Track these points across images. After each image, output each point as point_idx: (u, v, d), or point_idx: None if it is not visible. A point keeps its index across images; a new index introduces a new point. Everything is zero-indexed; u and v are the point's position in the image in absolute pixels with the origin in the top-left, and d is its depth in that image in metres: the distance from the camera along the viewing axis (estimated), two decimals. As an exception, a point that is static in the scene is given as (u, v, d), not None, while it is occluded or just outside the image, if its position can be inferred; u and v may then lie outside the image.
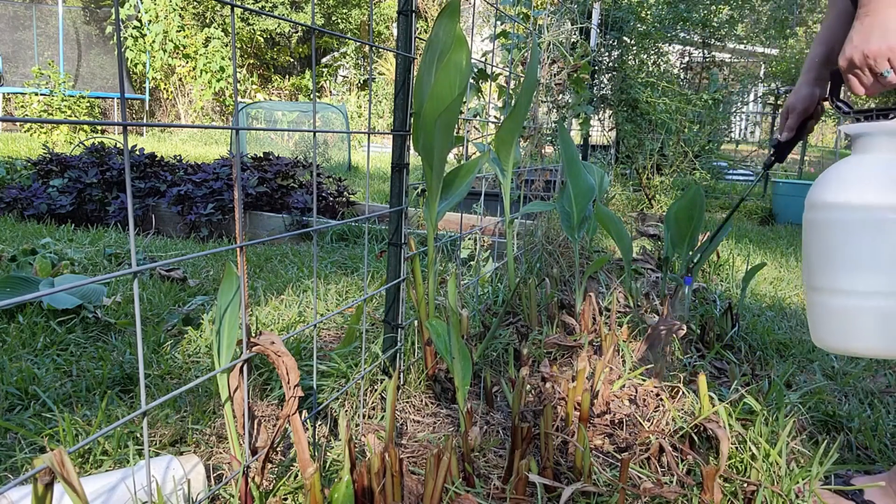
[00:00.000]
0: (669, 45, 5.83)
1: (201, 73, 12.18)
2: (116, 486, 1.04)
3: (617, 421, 1.52)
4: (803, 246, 1.11)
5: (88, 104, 10.19)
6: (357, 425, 1.45)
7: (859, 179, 1.01)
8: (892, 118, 1.03)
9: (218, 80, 12.26)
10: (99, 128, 10.87)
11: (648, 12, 5.67)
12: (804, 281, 1.12)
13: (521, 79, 3.03)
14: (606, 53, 5.52)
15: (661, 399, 1.56)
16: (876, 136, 1.02)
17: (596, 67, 5.46)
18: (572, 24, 3.18)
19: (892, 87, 1.02)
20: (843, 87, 1.11)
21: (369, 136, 1.35)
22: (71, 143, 8.64)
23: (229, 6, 0.93)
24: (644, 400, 1.57)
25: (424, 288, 1.60)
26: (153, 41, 11.69)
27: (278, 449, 1.32)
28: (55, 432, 1.35)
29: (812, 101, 1.36)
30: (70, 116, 9.57)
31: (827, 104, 1.32)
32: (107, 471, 1.17)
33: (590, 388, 1.57)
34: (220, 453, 1.32)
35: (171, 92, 13.08)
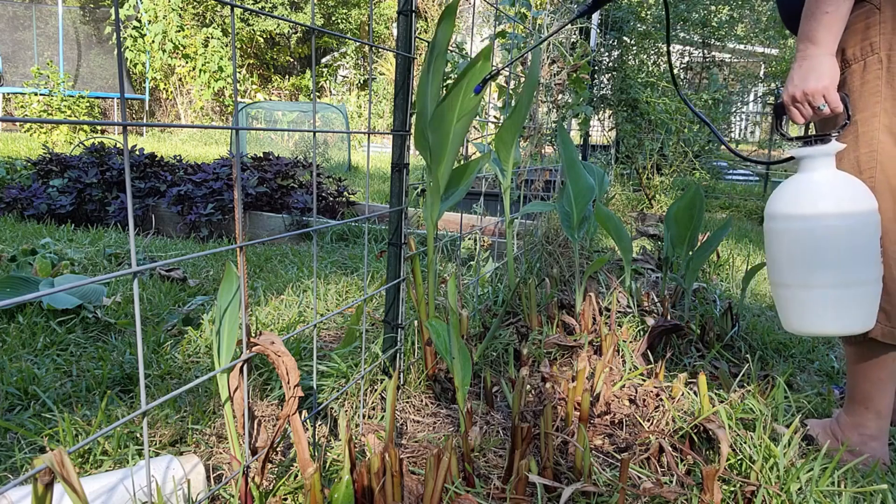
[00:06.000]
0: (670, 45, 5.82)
1: (200, 72, 12.17)
2: (116, 486, 1.04)
3: (617, 421, 1.52)
4: (767, 250, 1.34)
5: (88, 104, 10.19)
6: (357, 425, 1.45)
7: (808, 195, 1.24)
8: (827, 142, 1.24)
9: (217, 80, 12.25)
10: (99, 128, 10.87)
11: (648, 12, 5.66)
12: (770, 279, 1.35)
13: (521, 79, 3.03)
14: (606, 53, 5.52)
15: (661, 399, 1.56)
16: (818, 158, 1.25)
17: (596, 67, 5.46)
18: (572, 24, 3.18)
19: (825, 117, 1.25)
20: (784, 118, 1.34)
21: (369, 136, 1.35)
22: (71, 143, 8.64)
23: (229, 6, 0.93)
24: (644, 400, 1.57)
25: (424, 288, 1.60)
26: (153, 41, 11.69)
27: (278, 449, 1.32)
28: (55, 432, 1.35)
29: None
30: (70, 116, 9.57)
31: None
32: (107, 471, 1.17)
33: (590, 388, 1.57)
34: (220, 453, 1.32)
35: (171, 92, 13.07)
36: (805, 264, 1.24)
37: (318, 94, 15.71)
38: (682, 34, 5.84)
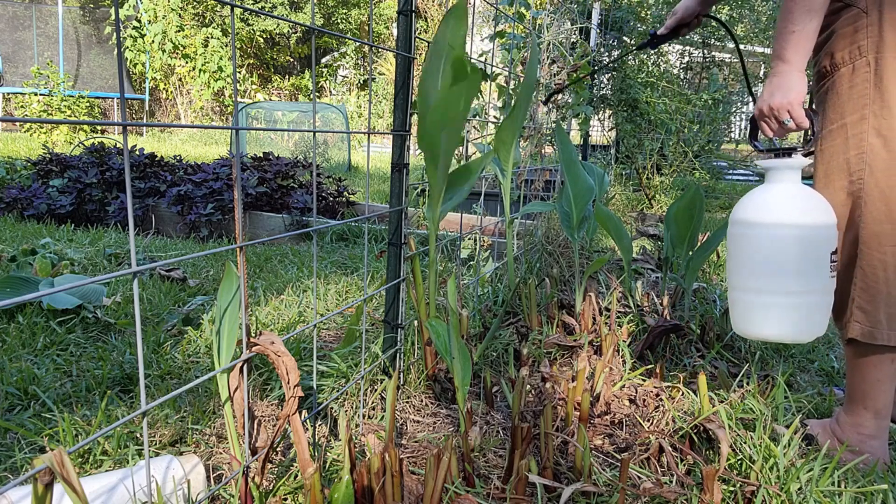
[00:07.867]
0: (669, 45, 5.83)
1: (200, 72, 12.17)
2: (116, 486, 1.04)
3: (617, 421, 1.52)
4: (727, 254, 1.38)
5: (88, 104, 10.18)
6: (357, 425, 1.45)
7: (769, 204, 1.29)
8: (793, 156, 1.29)
9: (217, 80, 12.25)
10: (99, 128, 10.87)
11: (648, 12, 5.66)
12: (728, 282, 1.39)
13: (521, 79, 3.03)
14: (606, 53, 5.52)
15: (661, 399, 1.56)
16: (782, 170, 1.30)
17: (596, 67, 5.45)
18: (572, 24, 3.18)
19: (792, 131, 1.30)
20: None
21: (369, 136, 1.36)
22: (71, 143, 8.64)
23: (229, 6, 0.93)
24: (644, 400, 1.57)
25: (424, 288, 1.60)
26: (152, 41, 11.69)
27: (278, 449, 1.32)
28: (55, 432, 1.35)
29: (691, 14, 1.70)
30: (70, 116, 9.56)
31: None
32: (107, 471, 1.17)
33: (590, 388, 1.57)
34: (220, 453, 1.32)
35: (171, 92, 13.08)
36: (755, 270, 1.29)
37: (317, 94, 15.71)
38: (681, 34, 5.82)
